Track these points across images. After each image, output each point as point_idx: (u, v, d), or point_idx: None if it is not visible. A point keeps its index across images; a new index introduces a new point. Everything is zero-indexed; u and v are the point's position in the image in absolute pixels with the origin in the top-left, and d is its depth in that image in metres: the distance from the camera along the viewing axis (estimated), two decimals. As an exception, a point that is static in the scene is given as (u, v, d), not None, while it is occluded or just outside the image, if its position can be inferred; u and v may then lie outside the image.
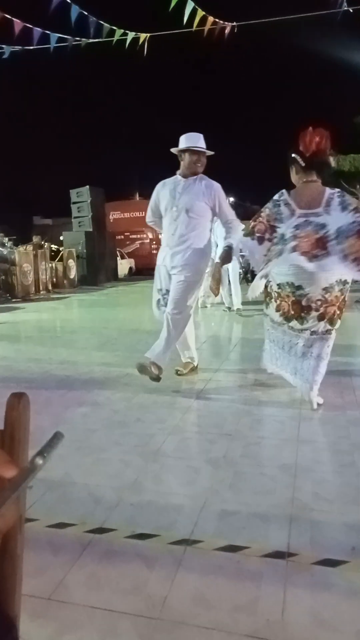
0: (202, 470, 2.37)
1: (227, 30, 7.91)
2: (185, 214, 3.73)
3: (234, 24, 7.81)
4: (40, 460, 0.42)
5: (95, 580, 1.60)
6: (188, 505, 2.04)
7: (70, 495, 2.15)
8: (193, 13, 7.17)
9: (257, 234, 3.13)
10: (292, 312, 3.13)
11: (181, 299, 3.73)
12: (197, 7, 7.17)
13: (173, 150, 3.89)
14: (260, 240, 3.12)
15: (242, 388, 3.73)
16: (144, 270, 18.64)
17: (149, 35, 7.86)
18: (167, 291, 3.87)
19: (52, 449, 0.44)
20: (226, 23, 7.89)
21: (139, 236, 19.67)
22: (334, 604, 1.48)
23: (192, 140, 3.80)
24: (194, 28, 7.43)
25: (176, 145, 3.85)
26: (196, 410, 3.28)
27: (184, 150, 3.81)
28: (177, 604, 1.49)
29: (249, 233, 3.21)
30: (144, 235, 19.70)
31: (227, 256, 3.44)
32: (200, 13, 7.31)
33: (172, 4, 6.77)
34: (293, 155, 3.13)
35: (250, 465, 2.41)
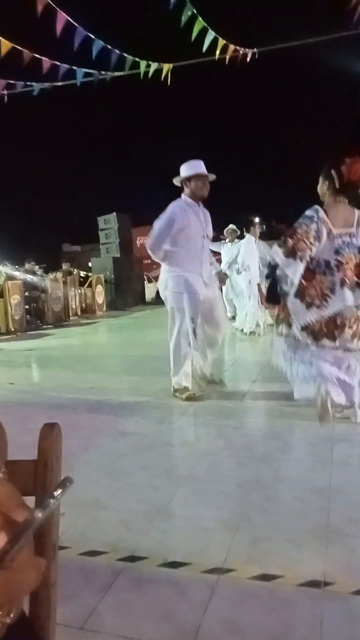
0: (233, 495, 2.33)
1: (248, 57, 8.08)
2: (208, 239, 3.99)
3: (255, 50, 7.98)
4: (40, 514, 0.41)
5: (127, 608, 1.59)
6: (220, 531, 2.01)
7: (101, 521, 2.15)
8: (214, 42, 7.36)
9: (299, 253, 3.04)
10: (325, 330, 3.09)
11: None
12: (217, 35, 7.36)
13: (176, 180, 4.00)
14: (302, 259, 3.07)
15: (272, 410, 3.68)
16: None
17: (172, 65, 8.09)
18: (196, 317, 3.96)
19: (57, 499, 0.42)
20: (247, 50, 8.06)
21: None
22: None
23: (195, 167, 3.91)
24: (217, 56, 7.62)
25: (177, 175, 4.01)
26: (226, 434, 3.24)
27: (189, 178, 3.91)
28: (210, 634, 1.46)
29: (290, 253, 3.07)
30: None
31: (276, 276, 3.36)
32: (222, 42, 7.50)
33: (194, 35, 6.97)
34: (332, 172, 3.13)
35: (283, 489, 2.37)
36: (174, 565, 1.80)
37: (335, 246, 3.05)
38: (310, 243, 3.03)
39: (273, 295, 3.32)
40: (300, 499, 2.25)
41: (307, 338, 3.15)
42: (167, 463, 2.76)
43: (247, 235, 7.87)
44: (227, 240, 8.98)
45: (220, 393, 4.44)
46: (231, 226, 9.02)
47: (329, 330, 3.08)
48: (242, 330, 7.81)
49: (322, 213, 3.09)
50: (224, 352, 6.80)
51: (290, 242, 3.08)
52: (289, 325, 3.26)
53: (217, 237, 8.86)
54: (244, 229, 8.15)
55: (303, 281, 3.10)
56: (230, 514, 2.15)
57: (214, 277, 4.14)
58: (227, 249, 8.94)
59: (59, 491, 0.43)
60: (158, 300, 17.56)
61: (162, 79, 8.03)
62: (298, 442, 3.02)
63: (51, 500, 0.42)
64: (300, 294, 3.13)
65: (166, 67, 8.06)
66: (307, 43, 8.07)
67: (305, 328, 3.15)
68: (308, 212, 3.11)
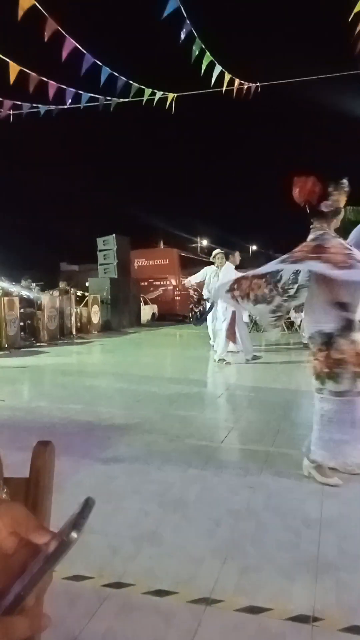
0: (223, 522, 2.30)
1: (252, 91, 8.32)
2: None
3: (258, 84, 8.21)
4: (76, 534, 0.40)
5: (111, 635, 1.55)
6: (208, 559, 1.98)
7: (88, 545, 2.10)
8: (221, 75, 7.59)
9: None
10: (327, 370, 2.67)
11: None
12: (224, 70, 7.59)
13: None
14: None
15: (264, 437, 3.66)
16: (167, 315, 18.81)
17: (176, 95, 8.31)
18: None
19: (86, 519, 0.42)
20: (250, 84, 8.31)
21: (162, 282, 20.00)
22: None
23: None
24: (224, 88, 7.84)
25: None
26: (218, 460, 3.21)
27: None
28: (196, 667, 1.42)
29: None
30: (167, 282, 20.01)
31: None
32: (228, 76, 7.73)
33: (203, 67, 7.18)
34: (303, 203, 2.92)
35: (273, 518, 2.33)
36: (161, 593, 1.76)
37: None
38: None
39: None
40: (291, 528, 2.22)
41: (346, 384, 2.67)
42: (157, 487, 2.72)
43: (227, 263, 7.97)
44: (216, 265, 8.89)
45: (210, 418, 4.42)
46: (218, 250, 8.99)
47: None
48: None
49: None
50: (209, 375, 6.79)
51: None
52: (323, 381, 2.75)
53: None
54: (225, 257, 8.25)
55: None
56: (220, 542, 2.11)
57: None
58: (214, 274, 8.86)
59: (87, 510, 0.42)
60: (154, 322, 17.62)
61: (167, 107, 8.24)
62: (290, 471, 2.98)
63: (83, 521, 0.41)
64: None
65: (170, 96, 8.28)
66: (306, 80, 8.34)
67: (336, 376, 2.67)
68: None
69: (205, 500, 2.56)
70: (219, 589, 1.77)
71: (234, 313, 7.66)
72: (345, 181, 2.86)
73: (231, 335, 7.60)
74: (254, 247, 41.09)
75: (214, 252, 8.87)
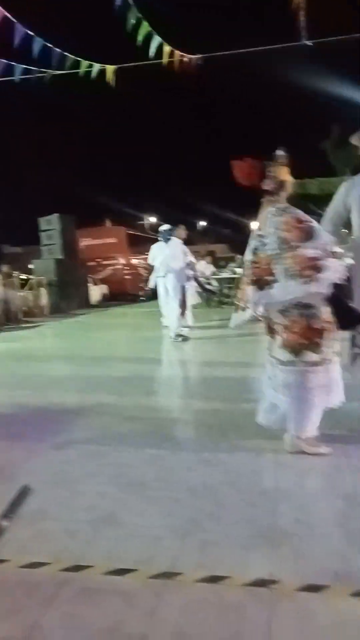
0: (181, 500, 2.32)
1: (192, 63, 8.16)
2: None
3: (199, 55, 8.07)
4: (6, 522, 0.38)
5: (71, 620, 1.53)
6: (167, 537, 1.99)
7: (45, 532, 2.06)
8: (160, 47, 7.38)
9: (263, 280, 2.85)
10: (305, 341, 2.71)
11: None
12: (163, 41, 7.38)
13: None
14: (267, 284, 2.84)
15: (219, 413, 3.71)
16: (118, 295, 18.62)
17: (115, 67, 8.03)
18: None
19: (18, 507, 0.39)
20: (191, 56, 8.14)
21: (111, 262, 19.70)
22: (319, 631, 1.45)
23: None
24: (164, 60, 7.63)
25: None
26: (174, 438, 3.23)
27: None
28: (158, 642, 1.44)
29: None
30: (116, 261, 19.75)
31: None
32: (168, 47, 7.52)
33: (140, 38, 6.95)
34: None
35: (230, 492, 2.37)
36: (120, 572, 1.75)
37: (253, 245, 2.87)
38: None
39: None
40: (248, 501, 2.27)
41: (289, 354, 2.74)
42: (114, 469, 2.70)
43: (173, 239, 7.90)
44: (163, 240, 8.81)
45: (164, 397, 4.43)
46: (166, 226, 8.96)
47: (309, 339, 2.72)
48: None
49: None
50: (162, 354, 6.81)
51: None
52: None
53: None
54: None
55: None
56: (179, 520, 2.13)
57: None
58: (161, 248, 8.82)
59: (21, 497, 0.39)
60: (104, 303, 17.38)
61: (108, 80, 7.95)
62: (245, 444, 3.04)
63: (14, 509, 0.38)
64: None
65: (110, 68, 7.99)
66: (250, 52, 8.27)
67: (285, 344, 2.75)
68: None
69: (163, 479, 2.57)
70: (179, 565, 1.79)
71: (183, 288, 7.69)
72: (280, 153, 2.85)
73: (183, 311, 7.63)
74: (203, 223, 41.19)
75: (161, 228, 8.84)
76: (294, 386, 2.73)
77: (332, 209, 3.39)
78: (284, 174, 2.85)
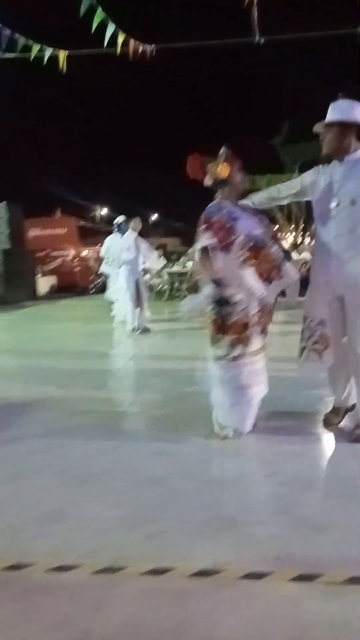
0: (129, 492, 2.32)
1: (147, 52, 8.06)
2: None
3: (153, 45, 7.98)
4: None
5: (14, 620, 1.50)
6: (114, 530, 1.99)
7: (-13, 530, 2.01)
8: (115, 34, 7.24)
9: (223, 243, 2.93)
10: (258, 327, 2.87)
11: None
12: (118, 28, 7.25)
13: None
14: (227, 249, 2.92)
15: (167, 404, 3.73)
16: (67, 287, 18.23)
17: (67, 52, 7.82)
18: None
19: None
20: (145, 45, 8.04)
21: (60, 253, 19.28)
22: (260, 616, 1.50)
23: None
24: (118, 49, 7.49)
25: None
26: (123, 430, 3.22)
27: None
28: (101, 635, 1.44)
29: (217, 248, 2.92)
30: (66, 253, 19.34)
31: None
32: (122, 35, 7.39)
33: (94, 26, 6.79)
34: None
35: (178, 482, 2.40)
36: (64, 569, 1.74)
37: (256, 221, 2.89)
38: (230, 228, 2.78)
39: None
40: (194, 491, 2.30)
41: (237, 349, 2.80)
42: (60, 464, 2.66)
43: (128, 230, 7.84)
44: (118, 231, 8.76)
45: (114, 390, 4.41)
46: (121, 217, 8.92)
47: (262, 324, 2.86)
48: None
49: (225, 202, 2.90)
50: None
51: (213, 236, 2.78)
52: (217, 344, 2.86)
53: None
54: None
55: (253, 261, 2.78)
56: (126, 512, 2.13)
57: None
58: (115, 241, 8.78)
59: None
60: (53, 295, 16.98)
61: (60, 66, 7.73)
62: (192, 435, 3.07)
63: None
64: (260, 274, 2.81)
65: (62, 53, 7.78)
66: (204, 45, 8.27)
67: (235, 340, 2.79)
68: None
69: (111, 472, 2.56)
70: (124, 557, 1.79)
71: (137, 281, 7.63)
72: (221, 150, 2.88)
73: (136, 302, 7.56)
74: (154, 216, 40.98)
75: (116, 220, 8.79)
76: (226, 380, 2.84)
77: (297, 184, 3.07)
78: (223, 169, 2.86)
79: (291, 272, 2.88)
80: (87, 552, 1.84)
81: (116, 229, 8.74)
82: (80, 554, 1.82)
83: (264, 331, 2.94)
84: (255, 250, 2.80)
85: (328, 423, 3.00)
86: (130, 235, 7.70)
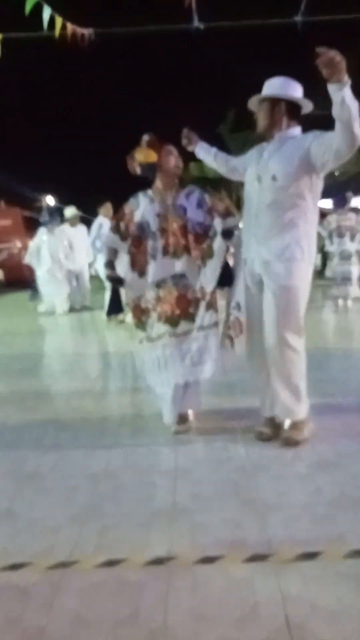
0: (81, 488, 2.29)
1: (85, 37, 7.85)
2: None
3: (91, 30, 7.78)
4: None
5: (-36, 625, 1.46)
6: (66, 526, 1.97)
7: None
8: (52, 18, 6.99)
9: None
10: (179, 312, 2.81)
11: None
12: (54, 12, 7.01)
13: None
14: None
15: (118, 396, 3.70)
16: (15, 281, 17.67)
17: (1, 36, 7.50)
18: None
19: None
20: (84, 30, 7.83)
21: (6, 246, 18.62)
22: (214, 599, 1.52)
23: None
24: (57, 32, 7.24)
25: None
26: (73, 427, 3.14)
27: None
28: (55, 632, 1.42)
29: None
30: (12, 245, 18.71)
31: None
32: (59, 19, 7.15)
33: (28, 8, 6.53)
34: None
35: (131, 475, 2.39)
36: (15, 567, 1.70)
37: (157, 210, 2.85)
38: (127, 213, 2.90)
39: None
40: (148, 482, 2.30)
41: (164, 327, 2.83)
42: (9, 463, 2.60)
43: (100, 217, 7.52)
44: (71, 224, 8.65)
45: (64, 387, 4.33)
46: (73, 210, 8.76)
47: (182, 309, 2.81)
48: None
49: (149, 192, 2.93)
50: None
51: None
52: (142, 326, 2.91)
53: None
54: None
55: (133, 249, 2.88)
56: (78, 508, 2.11)
57: None
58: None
59: None
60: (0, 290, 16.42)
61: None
62: (145, 426, 3.07)
63: None
64: (132, 263, 2.89)
65: (-4, 36, 7.45)
66: (146, 31, 8.14)
67: (160, 318, 2.85)
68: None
69: (62, 469, 2.52)
70: (77, 552, 1.78)
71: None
72: (143, 137, 2.82)
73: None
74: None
75: (66, 211, 8.64)
76: (171, 359, 2.81)
77: (243, 157, 2.95)
78: (150, 156, 2.80)
79: (220, 251, 2.83)
80: (39, 550, 1.81)
81: (46, 223, 8.59)
82: (31, 552, 1.79)
83: (210, 308, 2.84)
84: (195, 236, 2.84)
85: (261, 438, 2.73)
86: (104, 222, 7.29)
